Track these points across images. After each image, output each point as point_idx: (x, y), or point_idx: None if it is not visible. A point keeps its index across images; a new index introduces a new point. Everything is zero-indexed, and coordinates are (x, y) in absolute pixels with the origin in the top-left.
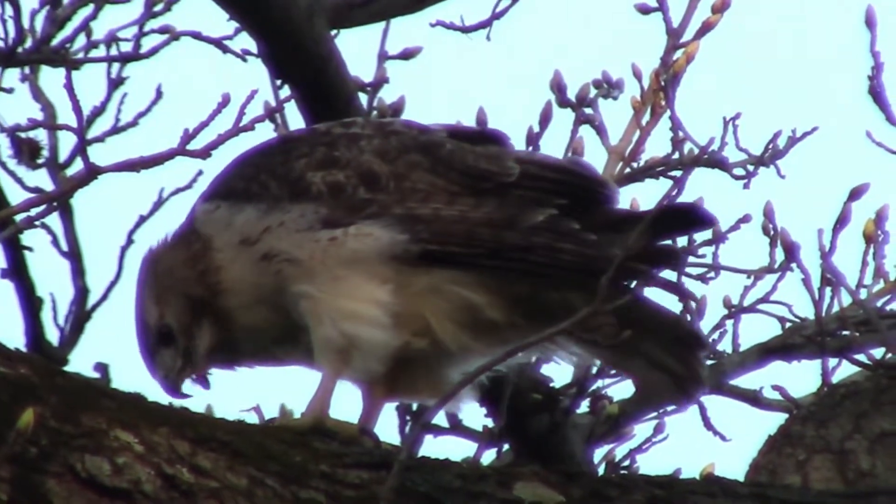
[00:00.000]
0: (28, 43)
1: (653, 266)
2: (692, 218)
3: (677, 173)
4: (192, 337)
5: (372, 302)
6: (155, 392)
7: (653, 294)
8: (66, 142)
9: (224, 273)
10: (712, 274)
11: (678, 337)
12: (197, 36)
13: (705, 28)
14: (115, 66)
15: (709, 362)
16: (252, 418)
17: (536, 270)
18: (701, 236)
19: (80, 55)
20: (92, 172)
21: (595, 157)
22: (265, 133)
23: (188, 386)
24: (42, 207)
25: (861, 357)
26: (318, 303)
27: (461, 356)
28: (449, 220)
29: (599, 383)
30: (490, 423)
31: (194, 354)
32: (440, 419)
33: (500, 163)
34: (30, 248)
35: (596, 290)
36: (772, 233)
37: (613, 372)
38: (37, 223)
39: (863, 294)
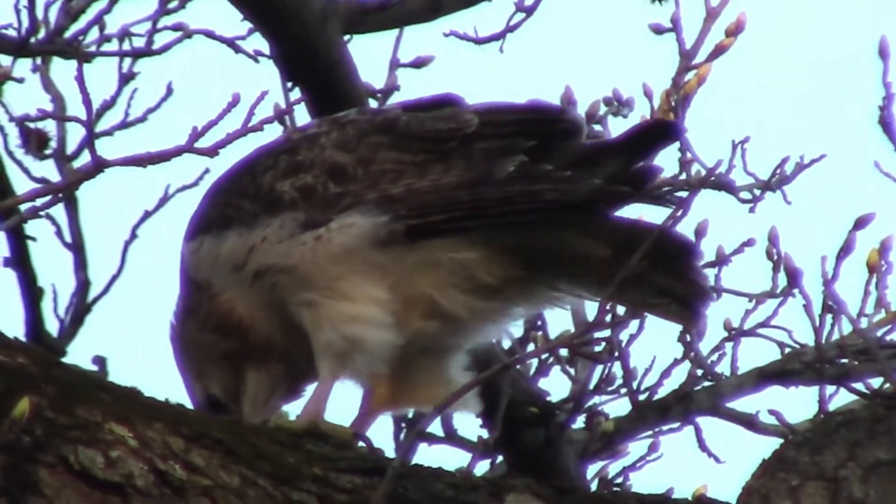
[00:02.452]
0: (41, 34)
1: (635, 186)
2: (664, 132)
3: (684, 194)
4: (240, 391)
5: (370, 301)
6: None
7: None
8: (75, 134)
9: (238, 310)
10: (714, 296)
11: (669, 252)
12: (210, 35)
13: (718, 51)
14: (127, 60)
15: (706, 384)
16: None
17: (520, 219)
18: (704, 258)
19: (93, 48)
20: (99, 165)
21: None
22: (274, 134)
23: None
24: (47, 198)
25: (859, 386)
26: (318, 309)
27: (474, 322)
28: (423, 191)
29: (596, 399)
30: (485, 433)
31: (250, 407)
32: (435, 428)
33: (457, 119)
34: (33, 239)
35: (584, 223)
36: (775, 258)
37: (610, 389)
38: (41, 214)
39: (863, 323)
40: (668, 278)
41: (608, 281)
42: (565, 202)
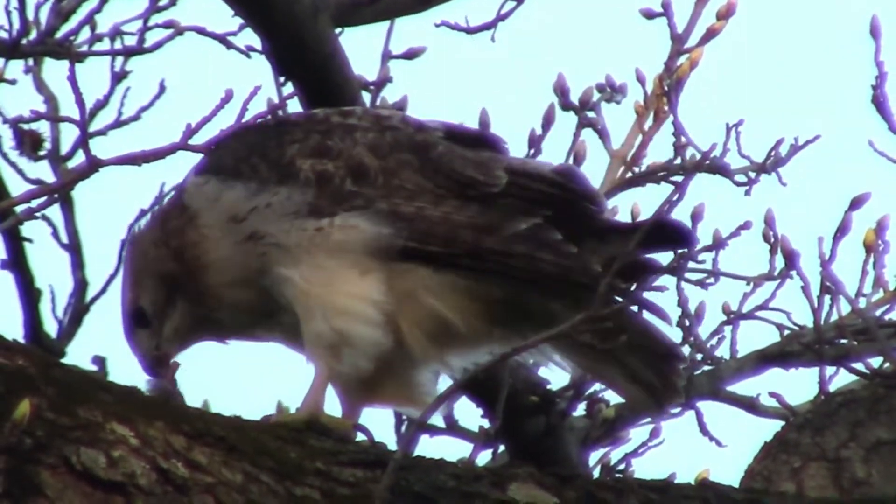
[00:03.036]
0: (32, 35)
1: (633, 282)
2: (675, 234)
3: (679, 178)
4: (165, 317)
5: (365, 299)
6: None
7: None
8: (69, 134)
9: (205, 248)
10: (712, 280)
11: (655, 350)
12: (201, 31)
13: (709, 34)
14: (119, 59)
15: (706, 368)
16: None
17: (515, 276)
18: (701, 242)
19: (84, 48)
20: (93, 165)
21: (597, 161)
22: None
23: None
24: (43, 199)
25: (859, 366)
26: (310, 296)
27: (422, 363)
28: (432, 219)
29: (596, 386)
30: (486, 423)
31: (164, 333)
32: (436, 419)
33: (488, 171)
34: (30, 240)
35: (574, 299)
36: (772, 240)
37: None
38: (37, 215)
39: (862, 303)
40: (648, 370)
41: (591, 353)
42: (561, 277)
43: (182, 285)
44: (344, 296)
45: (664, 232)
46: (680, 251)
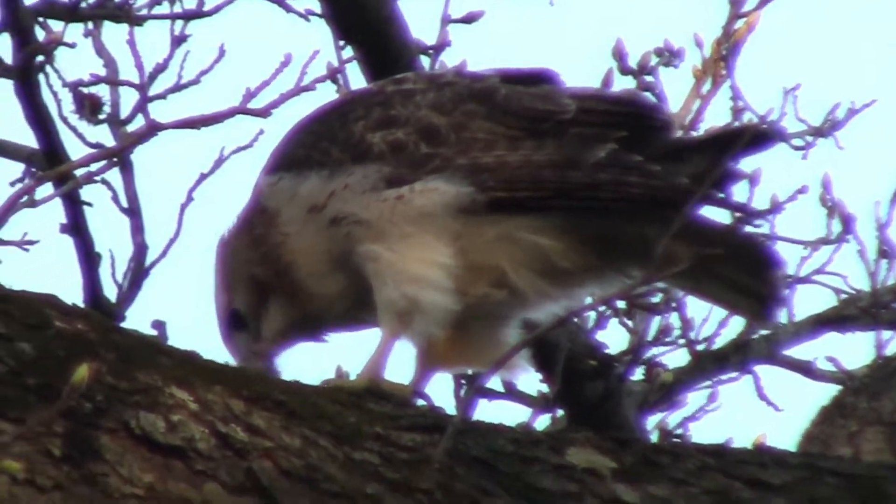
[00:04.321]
0: None
1: (720, 189)
2: (755, 138)
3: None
4: (261, 319)
5: (435, 265)
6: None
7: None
8: (128, 98)
9: (287, 247)
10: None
11: (755, 257)
12: None
13: None
14: (179, 23)
15: (763, 332)
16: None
17: (605, 207)
18: (758, 206)
19: (144, 12)
20: (153, 129)
21: None
22: (327, 93)
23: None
24: (102, 163)
25: None
26: (383, 264)
27: (538, 302)
28: (513, 165)
29: (654, 351)
30: (545, 388)
31: (263, 334)
32: (495, 383)
33: (555, 101)
34: (89, 204)
35: (667, 220)
36: (829, 204)
37: (668, 340)
38: (97, 178)
39: None
40: (749, 278)
41: (684, 272)
42: (651, 197)
43: (274, 287)
44: (415, 262)
45: (745, 140)
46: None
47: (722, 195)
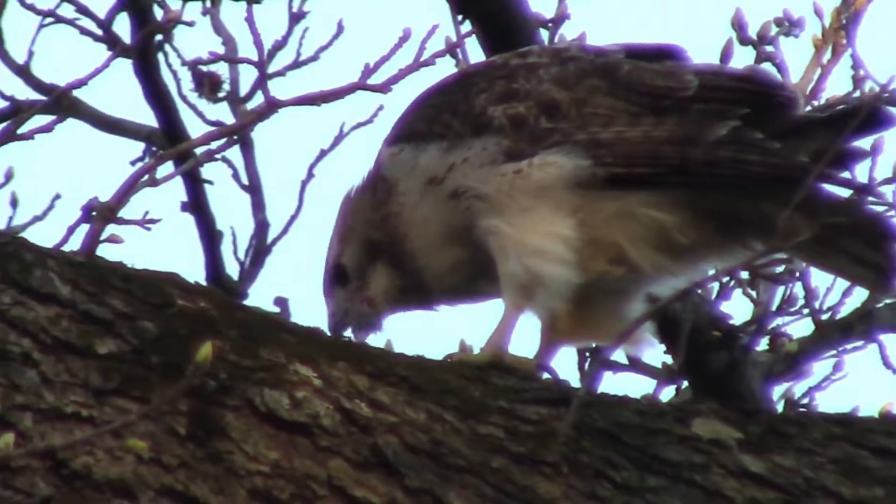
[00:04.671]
0: None
1: (840, 168)
2: (875, 118)
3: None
4: (367, 279)
5: (557, 238)
6: None
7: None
8: (247, 75)
9: (402, 217)
10: (892, 213)
11: (874, 230)
12: None
13: None
14: (297, 0)
15: (889, 300)
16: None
17: (724, 184)
18: (881, 174)
19: None
20: (272, 106)
21: None
22: (446, 68)
23: (358, 328)
24: (222, 141)
25: None
26: (504, 238)
27: (658, 278)
28: (632, 141)
29: (778, 321)
30: (669, 360)
31: (366, 295)
32: (619, 356)
33: (678, 78)
34: (210, 182)
35: (786, 196)
36: None
37: (792, 310)
38: (217, 157)
39: None
40: (869, 250)
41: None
42: (769, 175)
43: (386, 252)
44: (537, 235)
45: (866, 117)
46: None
47: (841, 174)
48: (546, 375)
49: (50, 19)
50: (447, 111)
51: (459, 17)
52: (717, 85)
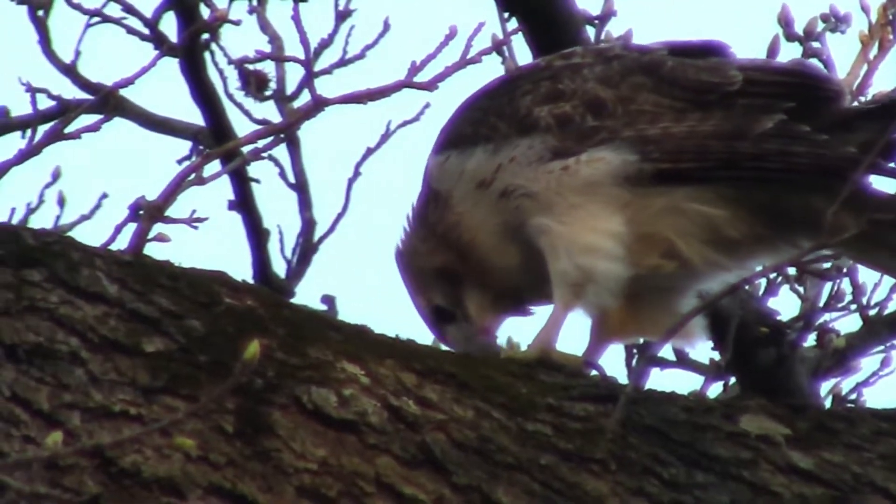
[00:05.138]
0: None
1: (889, 159)
2: None
3: None
4: (464, 306)
5: (607, 234)
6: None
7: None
8: (294, 74)
9: (463, 225)
10: None
11: None
12: None
13: None
14: None
15: None
16: None
17: (771, 177)
18: None
19: None
20: (319, 104)
21: None
22: (492, 65)
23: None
24: (269, 139)
25: None
26: (555, 236)
27: (708, 273)
28: (678, 136)
29: (826, 316)
30: (716, 356)
31: (474, 322)
32: (667, 352)
33: (722, 73)
34: (257, 180)
35: (834, 189)
36: None
37: (840, 305)
38: (264, 155)
39: None
40: None
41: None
42: (817, 167)
43: (462, 270)
44: (588, 232)
45: None
46: None
47: (890, 164)
48: (594, 372)
49: (97, 18)
50: (493, 114)
51: (506, 15)
52: (762, 79)
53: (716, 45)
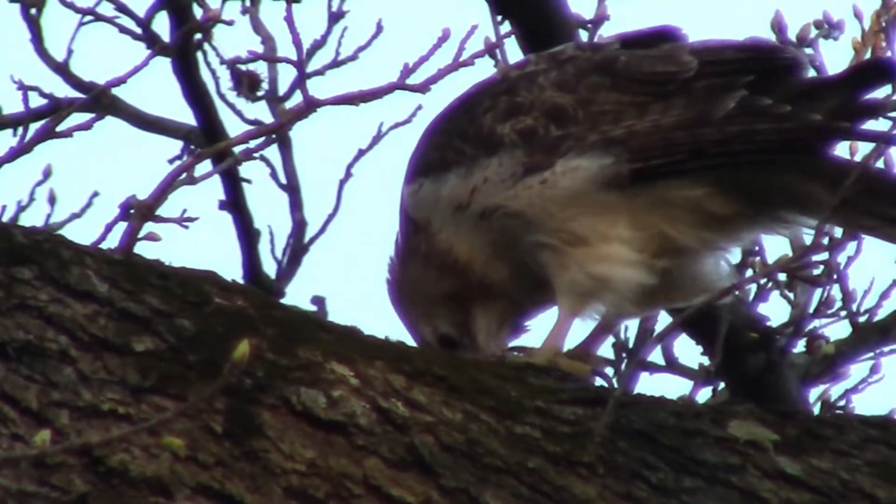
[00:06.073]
0: None
1: (856, 122)
2: (887, 70)
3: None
4: (472, 331)
5: (616, 241)
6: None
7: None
8: (286, 75)
9: (455, 248)
10: None
11: (891, 188)
12: None
13: None
14: None
15: None
16: None
17: (740, 161)
18: None
19: None
20: (311, 105)
21: None
22: (485, 68)
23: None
24: (261, 140)
25: None
26: (561, 252)
27: (706, 252)
28: (643, 133)
29: (816, 323)
30: (706, 361)
31: (479, 342)
32: (656, 356)
33: (676, 60)
34: (248, 181)
35: (804, 163)
36: None
37: (829, 312)
38: (255, 155)
39: None
40: (888, 206)
41: (841, 213)
42: (784, 141)
43: (465, 294)
44: (594, 242)
45: (875, 71)
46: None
47: (857, 127)
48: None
49: (89, 17)
50: (457, 136)
51: (499, 18)
52: (717, 59)
53: (667, 30)
